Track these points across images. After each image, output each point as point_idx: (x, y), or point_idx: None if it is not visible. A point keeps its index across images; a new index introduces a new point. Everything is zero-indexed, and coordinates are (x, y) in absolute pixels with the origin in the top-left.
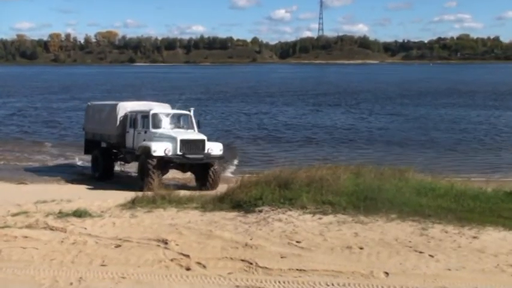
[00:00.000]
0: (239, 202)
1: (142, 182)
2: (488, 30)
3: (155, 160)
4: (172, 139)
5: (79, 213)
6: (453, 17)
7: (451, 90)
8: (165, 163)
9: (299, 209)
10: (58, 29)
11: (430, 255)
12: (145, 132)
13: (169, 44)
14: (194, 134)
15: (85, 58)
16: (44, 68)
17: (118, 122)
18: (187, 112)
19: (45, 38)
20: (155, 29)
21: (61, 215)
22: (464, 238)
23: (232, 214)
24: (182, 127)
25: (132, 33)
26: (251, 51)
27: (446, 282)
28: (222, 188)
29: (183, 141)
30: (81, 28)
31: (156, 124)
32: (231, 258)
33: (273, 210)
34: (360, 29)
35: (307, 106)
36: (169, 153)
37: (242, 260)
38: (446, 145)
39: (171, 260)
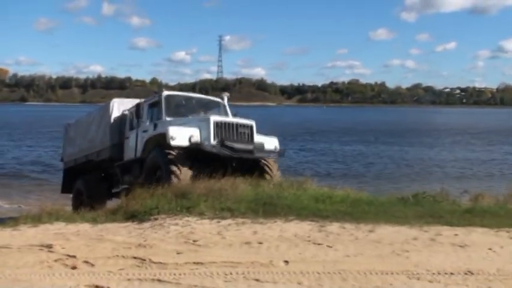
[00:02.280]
0: (133, 213)
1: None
2: (375, 76)
3: (176, 152)
4: (202, 122)
5: None
6: (344, 63)
7: (352, 129)
8: (190, 158)
9: (197, 215)
10: None
11: (329, 246)
12: (156, 125)
13: (65, 83)
14: (235, 119)
15: None
16: None
17: (112, 128)
18: (217, 99)
19: None
20: (50, 67)
21: None
22: (361, 232)
23: (126, 224)
24: None
25: (25, 71)
26: (150, 92)
27: (345, 266)
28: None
29: (219, 125)
30: None
31: (173, 111)
32: (123, 257)
33: (169, 217)
34: (257, 72)
35: None
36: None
37: (134, 258)
38: (355, 173)
39: (55, 260)
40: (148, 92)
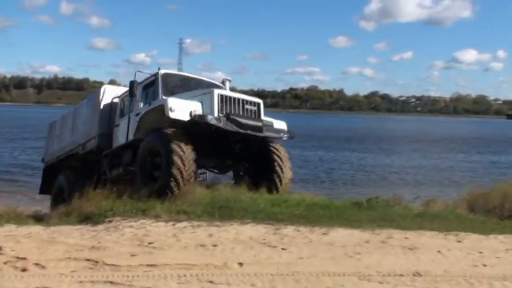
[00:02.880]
0: (88, 215)
1: (154, 182)
2: (334, 83)
3: (176, 130)
4: (205, 95)
5: None
6: (304, 70)
7: (311, 135)
8: (192, 135)
9: (152, 218)
10: None
11: (283, 248)
12: (150, 105)
13: (20, 83)
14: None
15: None
16: None
17: (101, 115)
18: (218, 83)
19: None
20: (5, 66)
21: None
22: (315, 235)
23: (79, 226)
24: None
25: None
26: None
27: (299, 268)
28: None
29: (224, 99)
30: None
31: (170, 91)
32: (75, 259)
33: (124, 219)
34: (218, 76)
35: None
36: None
37: (87, 260)
38: (314, 178)
39: (5, 263)
40: None
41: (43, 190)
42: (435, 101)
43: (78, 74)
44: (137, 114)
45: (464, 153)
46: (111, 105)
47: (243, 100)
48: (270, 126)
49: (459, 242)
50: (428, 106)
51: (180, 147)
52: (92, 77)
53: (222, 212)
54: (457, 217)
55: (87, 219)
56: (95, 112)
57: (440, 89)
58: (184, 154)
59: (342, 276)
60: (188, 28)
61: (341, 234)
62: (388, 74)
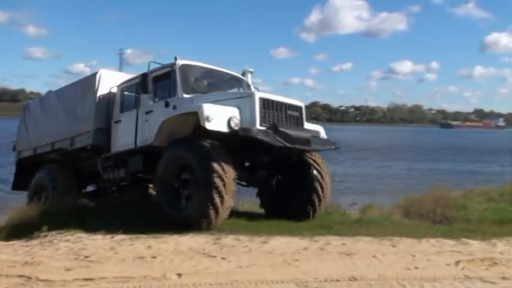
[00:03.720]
0: (21, 230)
1: (177, 202)
2: (276, 94)
3: (213, 142)
4: (243, 99)
5: None
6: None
7: None
8: (222, 145)
9: (90, 231)
10: None
11: (223, 258)
12: (167, 104)
13: None
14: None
15: None
16: None
17: (98, 107)
18: (240, 76)
19: None
20: None
21: None
22: (255, 244)
23: (12, 242)
24: None
25: None
26: None
27: (238, 277)
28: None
29: (266, 104)
30: None
31: (190, 86)
32: (6, 276)
33: (60, 234)
34: None
35: None
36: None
37: (20, 276)
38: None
39: None
40: None
41: (17, 185)
42: (373, 111)
43: (13, 85)
44: (147, 112)
45: (406, 161)
46: (109, 96)
47: (286, 105)
48: (316, 136)
49: (393, 246)
50: (366, 116)
51: (221, 165)
52: (29, 88)
53: (161, 224)
54: (392, 223)
55: (20, 234)
56: (89, 102)
57: (378, 99)
58: (225, 174)
59: (280, 283)
60: (130, 38)
61: (280, 242)
62: (329, 85)
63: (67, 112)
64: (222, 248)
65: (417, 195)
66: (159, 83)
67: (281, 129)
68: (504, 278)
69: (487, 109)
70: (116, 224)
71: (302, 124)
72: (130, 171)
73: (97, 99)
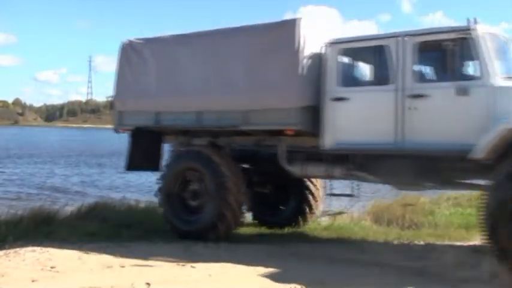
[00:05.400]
0: None
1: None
2: None
3: None
4: None
5: None
6: None
7: None
8: None
9: (57, 241)
10: None
11: (192, 267)
12: (463, 90)
13: None
14: None
15: None
16: None
17: (303, 75)
18: None
19: None
20: None
21: None
22: (224, 251)
23: None
24: None
25: None
26: (12, 113)
27: (208, 285)
28: None
29: None
30: None
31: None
32: None
33: (26, 243)
34: None
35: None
36: None
37: None
38: None
39: None
40: (11, 113)
41: (132, 163)
42: None
43: None
44: (413, 96)
45: None
46: (320, 58)
47: None
48: None
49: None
50: None
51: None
52: None
53: (131, 232)
54: (361, 228)
55: None
56: (286, 63)
57: None
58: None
59: None
60: (100, 46)
61: (250, 250)
62: None
63: (237, 70)
64: (192, 256)
65: (386, 201)
66: (431, 53)
67: None
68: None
69: None
70: (83, 233)
71: None
72: (386, 179)
73: (303, 61)
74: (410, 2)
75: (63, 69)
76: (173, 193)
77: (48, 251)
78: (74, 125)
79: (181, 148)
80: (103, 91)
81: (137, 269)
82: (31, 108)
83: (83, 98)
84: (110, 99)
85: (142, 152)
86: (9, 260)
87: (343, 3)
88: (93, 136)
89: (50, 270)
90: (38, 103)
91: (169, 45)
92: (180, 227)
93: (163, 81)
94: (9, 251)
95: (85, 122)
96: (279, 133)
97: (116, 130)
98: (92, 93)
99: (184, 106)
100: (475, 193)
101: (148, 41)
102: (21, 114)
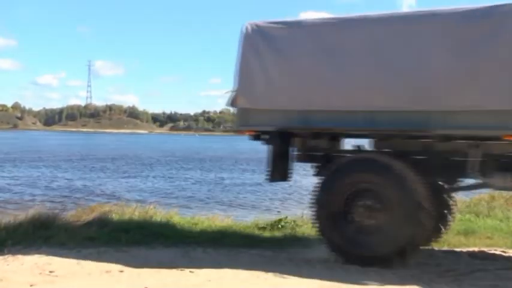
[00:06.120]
0: None
1: None
2: None
3: None
4: None
5: None
6: (218, 93)
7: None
8: None
9: (56, 246)
10: None
11: (191, 272)
12: None
13: None
14: None
15: None
16: None
17: None
18: None
19: None
20: None
21: None
22: (223, 257)
23: None
24: None
25: None
26: (11, 117)
27: None
28: None
29: None
30: None
31: None
32: None
33: (25, 248)
34: (130, 99)
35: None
36: None
37: None
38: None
39: None
40: (10, 117)
41: (276, 174)
42: None
43: None
44: None
45: None
46: None
47: None
48: None
49: None
50: None
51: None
52: None
53: (129, 237)
54: None
55: None
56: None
57: None
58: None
59: None
60: (100, 51)
61: (248, 255)
62: None
63: (438, 61)
64: (191, 261)
65: None
66: None
67: None
68: None
69: None
70: (82, 238)
71: None
72: None
73: None
74: (410, 5)
75: (63, 73)
76: (340, 211)
77: (47, 256)
78: (73, 129)
79: (334, 154)
80: (102, 95)
81: (136, 274)
82: (30, 112)
83: (82, 102)
84: (230, 93)
85: (280, 158)
86: (8, 264)
87: (343, 9)
88: (92, 140)
89: (49, 275)
90: (37, 107)
91: (327, 30)
92: (349, 250)
93: (316, 74)
94: (8, 255)
95: (84, 126)
96: (478, 138)
97: (238, 131)
98: (91, 98)
99: (350, 105)
100: (474, 199)
101: (288, 24)
102: (20, 118)
